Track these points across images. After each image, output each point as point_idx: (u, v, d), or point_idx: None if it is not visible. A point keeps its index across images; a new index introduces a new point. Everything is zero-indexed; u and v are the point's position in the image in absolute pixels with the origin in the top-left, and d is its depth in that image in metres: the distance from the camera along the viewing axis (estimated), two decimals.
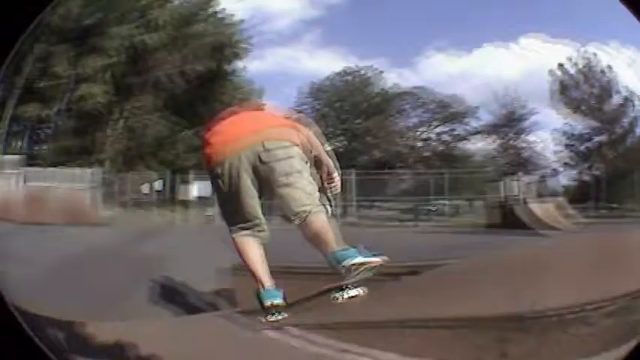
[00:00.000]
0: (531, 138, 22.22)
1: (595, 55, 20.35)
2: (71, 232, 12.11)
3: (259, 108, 3.48)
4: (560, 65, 20.75)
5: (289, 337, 2.40)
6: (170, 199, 18.18)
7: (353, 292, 2.89)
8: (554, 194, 17.16)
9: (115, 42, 19.68)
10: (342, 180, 3.43)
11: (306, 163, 3.02)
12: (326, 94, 23.18)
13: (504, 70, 22.55)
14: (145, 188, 18.24)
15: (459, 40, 22.99)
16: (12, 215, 13.54)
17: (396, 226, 18.12)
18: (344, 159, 20.93)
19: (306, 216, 2.82)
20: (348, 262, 2.74)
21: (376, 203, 19.75)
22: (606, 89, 20.59)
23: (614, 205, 18.80)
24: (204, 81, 20.53)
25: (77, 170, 16.86)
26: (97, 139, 19.43)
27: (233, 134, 3.00)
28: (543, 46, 21.16)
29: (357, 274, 2.79)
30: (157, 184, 18.33)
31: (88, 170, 16.90)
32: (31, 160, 18.10)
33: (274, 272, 2.98)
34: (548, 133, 22.32)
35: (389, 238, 14.38)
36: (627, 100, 20.26)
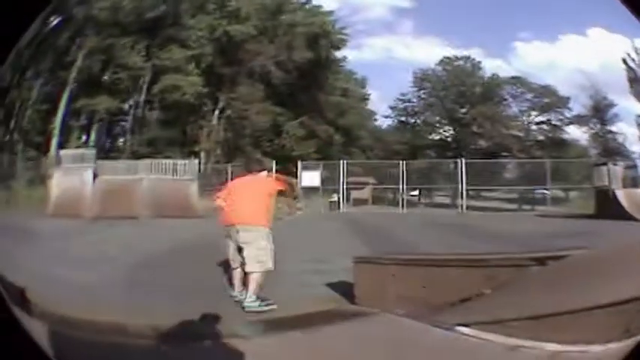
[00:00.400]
0: (614, 128, 22.22)
1: None
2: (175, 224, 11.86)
3: (262, 169, 4.95)
4: (624, 60, 20.62)
5: (463, 334, 2.60)
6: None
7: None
8: (634, 185, 16.71)
9: (195, 33, 19.17)
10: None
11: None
12: (430, 84, 22.82)
13: (582, 60, 22.77)
14: None
15: (540, 31, 23.13)
16: (80, 211, 12.96)
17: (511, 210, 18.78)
18: (451, 148, 20.76)
19: (250, 273, 4.42)
20: (247, 309, 4.26)
21: (484, 192, 19.72)
22: None
23: None
24: (304, 71, 19.97)
25: (166, 161, 15.77)
26: (189, 130, 18.64)
27: (229, 210, 4.61)
28: (608, 37, 21.81)
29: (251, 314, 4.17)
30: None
31: (180, 162, 15.79)
32: (103, 154, 17.27)
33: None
34: (625, 124, 22.44)
35: (506, 224, 14.63)
36: None
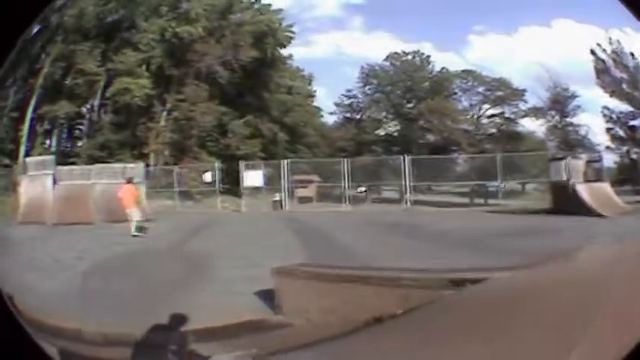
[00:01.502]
0: (575, 121, 24.05)
1: (618, 41, 22.10)
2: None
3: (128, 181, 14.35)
4: (592, 51, 22.50)
5: None
6: (224, 188, 19.74)
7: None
8: (599, 179, 18.26)
9: (148, 36, 21.39)
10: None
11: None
12: (376, 80, 24.97)
13: (543, 52, 24.01)
14: (208, 177, 19.75)
15: (497, 24, 24.15)
16: (42, 217, 15.01)
17: (462, 205, 20.16)
18: (398, 143, 23.03)
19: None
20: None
21: (433, 187, 21.67)
22: (635, 75, 22.24)
23: None
24: (250, 70, 22.07)
25: (116, 165, 18.05)
26: (139, 133, 20.84)
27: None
28: (574, 29, 23.11)
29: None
30: (208, 176, 19.83)
31: (132, 165, 18.06)
32: (64, 159, 19.58)
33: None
34: (590, 116, 24.07)
35: (453, 222, 15.99)
36: None
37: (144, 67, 21.36)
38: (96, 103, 21.64)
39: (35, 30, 18.25)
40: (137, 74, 21.05)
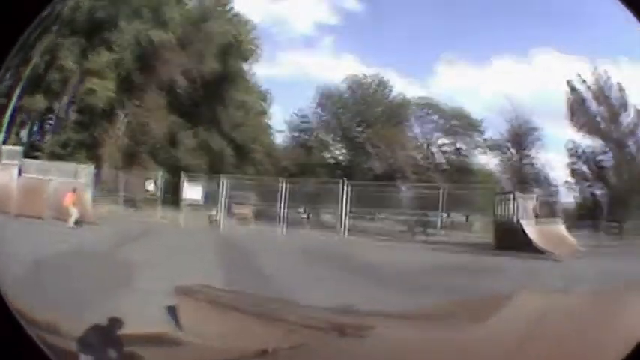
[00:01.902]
0: (533, 155, 24.49)
1: (606, 72, 22.27)
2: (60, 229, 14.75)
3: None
4: (570, 84, 22.79)
5: None
6: (166, 199, 21.16)
7: None
8: (552, 217, 18.56)
9: (124, 37, 22.53)
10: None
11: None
12: (330, 101, 25.72)
13: (513, 85, 24.06)
14: (149, 186, 21.12)
15: (469, 55, 24.45)
16: (8, 207, 16.31)
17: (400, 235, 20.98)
18: (342, 168, 24.13)
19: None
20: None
21: (377, 215, 22.58)
22: (616, 110, 22.52)
23: (615, 226, 20.65)
24: (209, 82, 23.33)
25: (70, 165, 19.76)
26: (97, 135, 22.36)
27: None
28: (554, 61, 22.84)
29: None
30: (150, 185, 21.14)
31: (84, 166, 19.77)
32: (33, 152, 21.37)
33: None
34: (551, 150, 24.44)
35: (387, 254, 16.83)
36: (637, 123, 22.09)
37: (113, 69, 22.57)
38: (65, 101, 23.14)
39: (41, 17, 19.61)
40: (105, 76, 22.30)
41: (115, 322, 3.55)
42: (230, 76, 24.22)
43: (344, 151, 25.83)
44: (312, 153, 25.49)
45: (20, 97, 21.68)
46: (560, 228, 18.01)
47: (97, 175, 20.37)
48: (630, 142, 22.42)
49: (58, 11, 20.68)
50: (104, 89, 22.10)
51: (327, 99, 25.86)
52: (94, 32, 22.58)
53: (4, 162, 18.79)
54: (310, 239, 19.45)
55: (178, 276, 8.74)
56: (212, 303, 4.32)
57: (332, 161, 25.62)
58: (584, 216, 22.04)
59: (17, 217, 15.66)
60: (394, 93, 25.56)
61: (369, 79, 25.81)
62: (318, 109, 26.05)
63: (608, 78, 22.40)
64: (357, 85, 25.86)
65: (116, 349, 3.13)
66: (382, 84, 25.74)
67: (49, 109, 23.26)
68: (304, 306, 4.94)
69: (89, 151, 22.07)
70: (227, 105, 24.50)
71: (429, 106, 25.03)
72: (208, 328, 3.91)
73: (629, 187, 21.32)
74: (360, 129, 25.58)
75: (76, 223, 17.04)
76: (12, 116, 22.02)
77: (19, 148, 20.00)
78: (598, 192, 23.31)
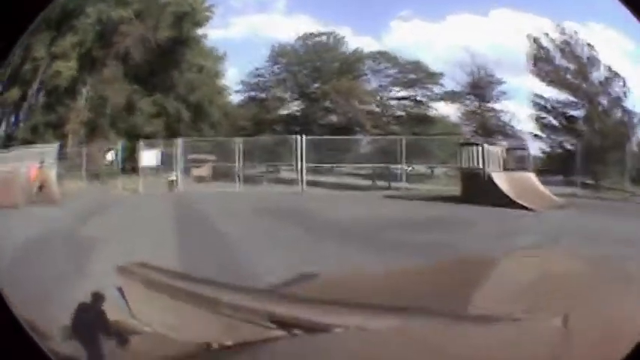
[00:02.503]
0: (497, 107, 23.70)
1: (575, 32, 21.52)
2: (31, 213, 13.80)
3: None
4: (534, 38, 22.06)
5: None
6: (126, 168, 21.05)
7: None
8: (522, 168, 17.46)
9: (87, 21, 22.39)
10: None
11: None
12: (285, 59, 25.08)
13: (472, 40, 23.27)
14: (110, 157, 21.07)
15: (425, 11, 23.87)
16: None
17: (362, 188, 20.18)
18: (300, 124, 23.63)
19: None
20: None
21: (335, 168, 22.10)
22: (585, 65, 21.70)
23: (589, 182, 19.95)
24: (164, 50, 23.03)
25: (35, 148, 19.30)
26: (62, 114, 22.30)
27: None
28: (515, 19, 22.39)
29: None
30: (110, 155, 21.03)
31: (48, 146, 19.36)
32: (9, 142, 21.19)
33: None
34: (517, 103, 23.61)
35: (349, 207, 15.85)
36: (608, 80, 21.32)
37: (76, 50, 22.44)
38: (34, 87, 22.95)
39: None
40: (69, 57, 22.22)
41: (99, 298, 3.18)
42: (185, 42, 23.86)
43: (302, 106, 25.27)
44: (268, 110, 24.96)
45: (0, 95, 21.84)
46: (533, 179, 16.81)
47: (62, 153, 19.96)
48: (603, 99, 21.77)
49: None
50: (67, 69, 22.04)
51: (282, 57, 25.33)
52: (63, 22, 22.39)
53: None
54: (266, 195, 19.04)
55: (132, 250, 8.25)
56: (152, 285, 3.40)
57: (289, 117, 25.10)
58: (555, 169, 21.29)
59: None
60: (350, 49, 24.89)
61: (324, 37, 25.16)
62: (274, 67, 25.56)
63: (576, 35, 21.74)
64: (311, 42, 25.22)
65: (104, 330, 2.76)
66: (337, 40, 25.08)
67: (22, 99, 23.06)
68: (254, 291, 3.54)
69: (55, 130, 21.99)
70: (183, 70, 24.19)
71: (385, 59, 24.23)
72: (152, 314, 3.18)
73: (605, 143, 20.69)
74: (316, 85, 24.98)
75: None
76: None
77: None
78: (569, 145, 22.47)
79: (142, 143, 20.62)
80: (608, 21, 19.17)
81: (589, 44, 21.33)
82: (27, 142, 20.82)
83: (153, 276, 3.18)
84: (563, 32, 21.80)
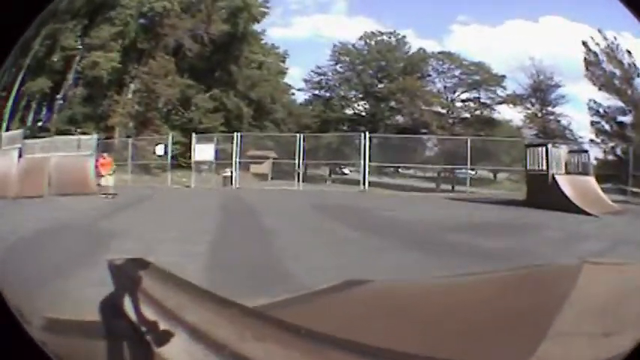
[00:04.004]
0: (557, 110, 20.83)
1: (615, 38, 19.18)
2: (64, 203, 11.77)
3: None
4: (583, 42, 19.54)
5: None
6: (184, 162, 17.48)
7: None
8: (584, 172, 14.89)
9: (125, 11, 19.07)
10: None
11: None
12: (348, 58, 21.82)
13: (528, 45, 20.65)
14: (160, 150, 17.38)
15: (483, 16, 21.86)
16: (5, 192, 12.72)
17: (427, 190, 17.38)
18: (365, 123, 19.76)
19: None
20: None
21: (400, 170, 19.12)
22: (627, 71, 19.30)
23: (637, 190, 17.03)
24: (220, 44, 19.63)
25: (72, 138, 16.14)
26: (105, 106, 18.72)
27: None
28: (564, 26, 20.14)
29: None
30: (159, 149, 17.45)
31: (86, 137, 16.09)
32: (38, 133, 17.73)
33: None
34: (573, 108, 21.42)
35: (411, 208, 13.39)
36: None
37: (119, 41, 19.00)
38: (70, 77, 19.41)
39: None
40: (109, 48, 18.77)
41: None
42: (242, 37, 20.38)
43: (366, 106, 21.71)
44: (333, 109, 21.46)
45: (22, 85, 18.39)
46: (593, 184, 14.20)
47: (106, 145, 16.46)
48: None
49: (53, 8, 17.28)
50: (107, 61, 18.54)
51: (345, 55, 21.95)
52: (95, 13, 19.18)
53: (4, 148, 15.30)
54: (327, 194, 15.68)
55: (153, 246, 6.62)
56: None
57: (354, 117, 21.50)
58: (609, 175, 18.07)
59: (16, 199, 12.18)
60: (413, 49, 21.63)
61: (386, 37, 21.83)
62: (337, 66, 22.16)
63: (616, 41, 19.38)
64: (374, 42, 21.83)
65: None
66: (399, 40, 21.79)
67: (54, 90, 19.53)
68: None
69: (97, 122, 18.35)
70: (241, 66, 20.72)
71: (450, 60, 20.98)
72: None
73: None
74: (381, 85, 21.47)
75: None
76: (14, 105, 18.60)
77: (19, 132, 16.59)
78: (620, 151, 19.72)
79: (195, 137, 17.02)
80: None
81: (628, 51, 19.12)
82: (62, 132, 17.44)
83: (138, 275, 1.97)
84: (605, 38, 19.51)
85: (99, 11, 19.26)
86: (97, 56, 18.45)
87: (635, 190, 17.10)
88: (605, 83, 19.70)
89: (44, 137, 17.02)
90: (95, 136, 16.20)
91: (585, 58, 19.58)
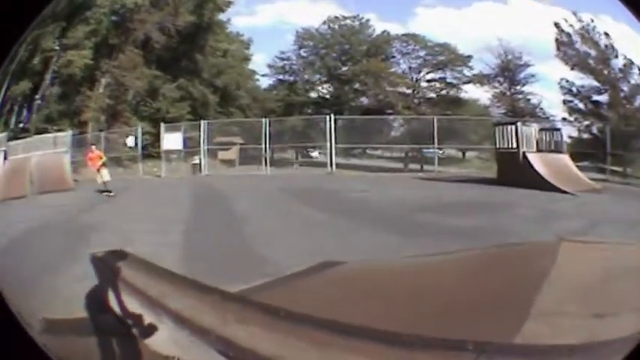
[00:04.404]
0: (527, 89, 20.87)
1: (592, 20, 19.10)
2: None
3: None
4: (555, 23, 19.45)
5: None
6: (154, 153, 17.92)
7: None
8: (556, 150, 14.84)
9: (100, 10, 19.37)
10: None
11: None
12: (312, 42, 22.01)
13: (496, 26, 20.43)
14: (130, 142, 17.80)
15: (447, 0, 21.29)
16: None
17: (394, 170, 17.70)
18: (330, 106, 20.05)
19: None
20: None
21: (367, 151, 19.21)
22: (604, 52, 19.20)
23: (616, 168, 17.23)
24: (186, 35, 19.93)
25: (48, 136, 16.60)
26: (77, 101, 19.05)
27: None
28: (535, 7, 19.98)
29: None
30: (130, 140, 17.85)
31: (62, 134, 16.56)
32: (20, 134, 17.87)
33: None
34: (544, 87, 20.95)
35: (379, 188, 13.53)
36: (627, 67, 18.80)
37: (92, 39, 19.32)
38: (47, 78, 19.68)
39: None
40: (82, 47, 19.13)
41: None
42: (208, 27, 20.78)
43: (331, 89, 22.00)
44: (298, 93, 21.72)
45: (7, 90, 18.70)
46: (567, 161, 14.25)
47: (80, 140, 16.96)
48: (624, 86, 19.13)
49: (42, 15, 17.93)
50: (80, 58, 18.88)
51: (309, 40, 22.16)
52: (72, 14, 19.36)
53: None
54: (295, 178, 16.30)
55: (131, 237, 6.97)
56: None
57: (319, 100, 21.79)
58: (583, 155, 18.10)
59: (3, 201, 12.38)
60: (377, 32, 21.75)
61: (349, 21, 22.04)
62: (301, 51, 22.33)
63: (593, 24, 19.28)
64: (337, 26, 22.08)
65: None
66: (363, 24, 21.95)
67: (34, 91, 19.78)
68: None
69: (72, 119, 18.80)
70: (207, 54, 21.10)
71: (414, 42, 21.05)
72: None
73: (629, 129, 18.00)
74: (345, 68, 21.70)
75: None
76: (2, 107, 18.92)
77: (3, 135, 16.85)
78: (596, 130, 19.74)
79: (163, 127, 17.52)
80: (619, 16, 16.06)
81: (606, 33, 18.92)
82: (40, 132, 17.78)
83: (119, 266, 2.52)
84: (580, 20, 19.37)
85: (76, 12, 19.46)
86: (71, 55, 18.78)
87: (614, 168, 17.10)
88: (578, 63, 19.63)
89: (25, 138, 17.34)
90: (70, 132, 16.65)
91: (557, 39, 19.53)
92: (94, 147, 14.50)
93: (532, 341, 1.66)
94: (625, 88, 18.96)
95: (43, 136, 16.61)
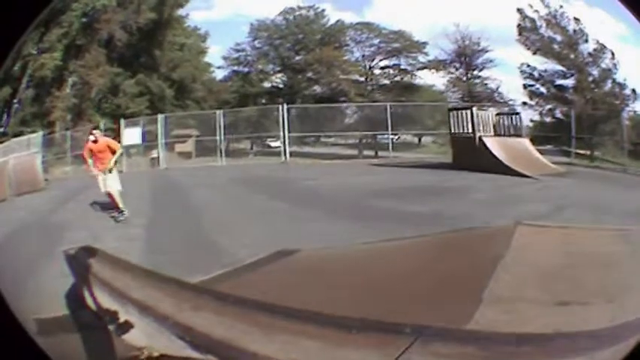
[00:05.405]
0: (485, 74, 21.12)
1: (561, 6, 19.27)
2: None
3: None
4: (518, 9, 19.61)
5: None
6: None
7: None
8: (514, 133, 14.91)
9: (72, 14, 20.13)
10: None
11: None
12: (266, 33, 22.50)
13: (455, 12, 20.46)
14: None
15: None
16: None
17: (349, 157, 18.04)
18: (283, 95, 20.76)
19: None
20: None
21: (322, 139, 19.71)
22: (572, 37, 19.36)
23: (582, 152, 17.55)
24: (146, 32, 20.68)
25: (22, 138, 17.26)
26: (47, 102, 19.95)
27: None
28: None
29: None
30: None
31: (33, 135, 17.27)
32: (1, 139, 18.62)
33: None
34: (504, 72, 21.21)
35: (333, 176, 13.84)
36: (597, 52, 18.97)
37: (63, 41, 20.19)
38: (24, 81, 20.63)
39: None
40: (54, 49, 20.02)
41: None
42: (167, 23, 21.45)
43: (284, 78, 22.58)
44: (252, 84, 22.25)
45: None
46: (527, 145, 14.27)
47: (50, 140, 18.16)
48: (592, 70, 19.26)
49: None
50: (51, 60, 19.81)
51: (263, 31, 22.66)
52: (51, 19, 19.95)
53: None
54: (250, 167, 16.59)
55: (99, 232, 7.52)
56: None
57: (273, 90, 22.38)
58: (546, 138, 18.56)
59: None
60: (331, 22, 22.22)
61: (304, 11, 22.53)
62: (255, 42, 22.87)
63: (561, 9, 19.42)
64: (292, 17, 22.51)
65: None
66: (318, 14, 22.38)
67: (13, 96, 20.75)
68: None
69: (42, 120, 19.80)
70: (165, 49, 21.76)
71: (368, 30, 21.44)
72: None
73: (597, 113, 18.17)
74: (298, 57, 22.27)
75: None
76: None
77: None
78: (559, 113, 19.93)
79: (123, 122, 18.23)
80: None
81: (575, 18, 19.04)
82: (17, 134, 18.56)
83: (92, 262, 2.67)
84: (547, 6, 19.52)
85: (54, 17, 20.03)
86: (44, 58, 19.65)
87: (579, 151, 17.31)
88: (541, 47, 19.76)
89: (3, 142, 18.09)
90: (40, 133, 17.42)
91: (519, 25, 19.65)
92: (97, 132, 10.03)
93: (486, 328, 1.71)
94: (595, 72, 19.13)
95: (18, 138, 17.36)
